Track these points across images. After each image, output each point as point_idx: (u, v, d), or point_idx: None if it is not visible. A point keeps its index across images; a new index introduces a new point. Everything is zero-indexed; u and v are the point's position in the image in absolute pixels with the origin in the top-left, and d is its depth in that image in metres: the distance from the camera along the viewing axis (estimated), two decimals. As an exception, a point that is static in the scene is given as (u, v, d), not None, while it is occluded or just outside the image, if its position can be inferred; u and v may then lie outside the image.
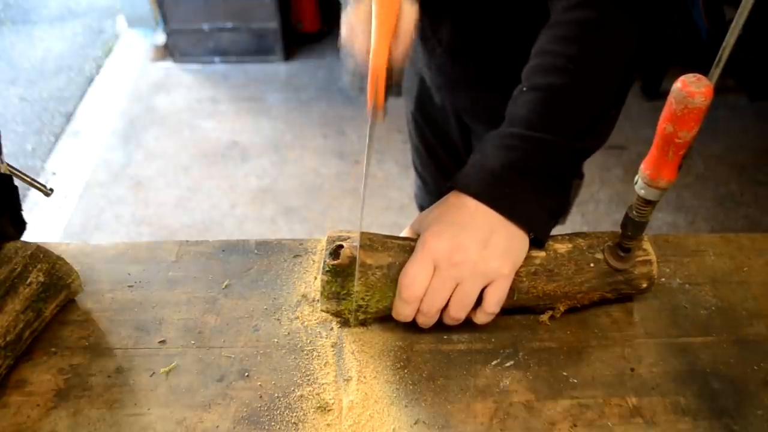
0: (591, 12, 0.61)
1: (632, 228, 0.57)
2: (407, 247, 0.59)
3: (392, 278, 0.57)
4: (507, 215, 0.57)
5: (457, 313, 0.56)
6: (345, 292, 0.58)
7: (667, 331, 0.61)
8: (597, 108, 0.62)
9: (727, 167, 2.56)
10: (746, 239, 0.72)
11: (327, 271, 0.57)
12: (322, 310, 0.61)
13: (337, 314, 0.61)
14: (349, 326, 0.61)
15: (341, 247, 0.58)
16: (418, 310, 0.57)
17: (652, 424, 0.53)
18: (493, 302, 0.56)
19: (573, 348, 0.60)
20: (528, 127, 0.59)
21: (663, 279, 0.67)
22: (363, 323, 0.62)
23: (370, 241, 0.59)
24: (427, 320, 0.57)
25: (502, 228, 0.57)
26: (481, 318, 0.58)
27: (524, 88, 0.62)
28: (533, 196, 0.59)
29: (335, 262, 0.57)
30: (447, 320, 0.58)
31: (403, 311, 0.57)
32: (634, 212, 0.56)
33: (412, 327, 0.61)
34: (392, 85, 0.72)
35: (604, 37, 0.61)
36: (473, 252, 0.55)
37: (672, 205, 2.39)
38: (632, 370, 0.58)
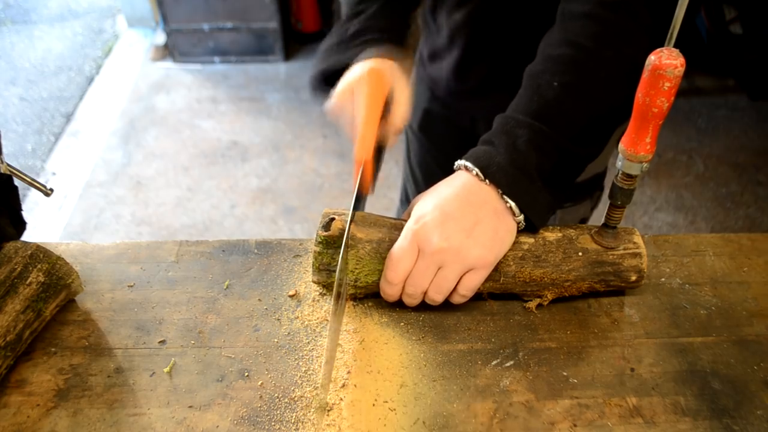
0: (598, 25, 0.62)
1: (621, 196, 0.59)
2: (399, 225, 0.61)
3: (381, 253, 0.60)
4: (518, 201, 0.59)
5: (435, 295, 0.59)
6: (335, 264, 0.61)
7: (667, 331, 0.61)
8: (598, 114, 0.63)
9: (727, 167, 2.56)
10: (746, 239, 0.72)
11: (319, 242, 0.60)
12: (313, 281, 0.64)
13: (328, 287, 0.63)
14: (340, 299, 0.63)
15: (333, 219, 0.61)
16: (404, 290, 0.59)
17: (652, 424, 0.53)
18: (467, 287, 0.59)
19: (573, 348, 0.60)
20: (544, 121, 0.61)
21: (663, 279, 0.67)
22: (354, 297, 0.63)
23: (363, 218, 0.62)
24: (411, 300, 0.60)
25: (489, 219, 0.58)
26: (455, 299, 0.60)
27: (540, 84, 0.63)
28: (541, 185, 0.61)
29: (327, 233, 0.60)
30: (426, 300, 0.60)
31: (388, 291, 0.60)
32: (619, 183, 0.58)
33: (413, 326, 0.61)
34: (380, 166, 0.68)
35: (612, 47, 0.62)
36: (456, 240, 0.56)
37: (672, 205, 2.39)
38: (632, 370, 0.58)
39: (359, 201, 0.64)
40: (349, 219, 0.61)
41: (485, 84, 0.88)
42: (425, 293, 0.59)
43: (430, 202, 0.59)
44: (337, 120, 0.70)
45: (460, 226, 0.57)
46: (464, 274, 0.58)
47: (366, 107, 0.64)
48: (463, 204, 0.58)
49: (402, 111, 0.67)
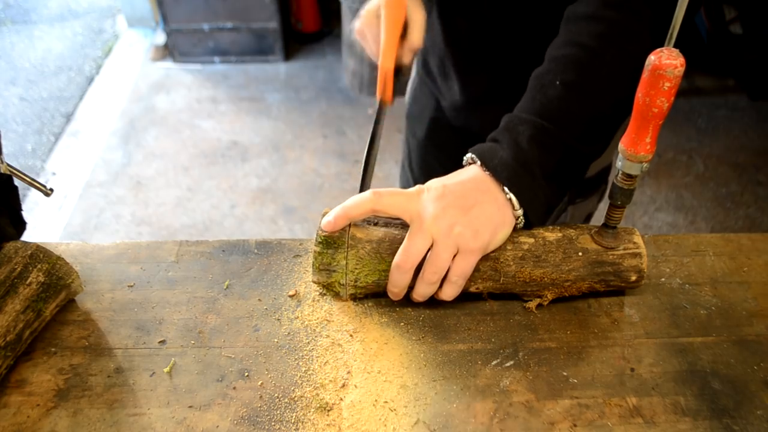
0: (601, 25, 0.62)
1: (621, 196, 0.59)
2: (399, 225, 0.61)
3: (381, 253, 0.60)
4: (518, 195, 0.59)
5: (431, 275, 0.58)
6: (336, 264, 0.61)
7: (667, 331, 0.61)
8: (602, 112, 0.63)
9: (727, 167, 2.56)
10: (746, 239, 0.72)
11: (319, 242, 0.60)
12: (313, 281, 0.64)
13: (328, 287, 0.63)
14: (340, 299, 0.63)
15: None
16: (399, 265, 0.58)
17: (652, 424, 0.53)
18: (456, 272, 0.58)
19: (573, 348, 0.60)
20: (548, 119, 0.62)
21: (663, 279, 0.67)
22: (354, 297, 0.63)
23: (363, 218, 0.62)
24: (403, 276, 0.58)
25: (488, 204, 0.59)
26: (446, 290, 0.59)
27: (545, 83, 0.64)
28: (543, 182, 0.61)
29: (326, 233, 0.60)
30: (422, 287, 0.59)
31: (395, 275, 0.59)
32: (619, 183, 0.58)
33: (413, 326, 0.61)
34: (399, 84, 0.77)
35: (615, 45, 0.62)
36: (451, 214, 0.57)
37: (672, 205, 2.39)
38: (632, 370, 0.58)
39: (381, 109, 0.77)
40: (372, 130, 0.73)
41: (488, 95, 0.89)
42: (421, 275, 0.58)
43: (436, 181, 0.61)
44: (362, 40, 0.82)
45: (459, 203, 0.58)
46: (454, 257, 0.58)
47: (387, 27, 0.75)
48: (466, 186, 0.60)
49: (417, 32, 0.78)
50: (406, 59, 0.79)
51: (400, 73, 0.80)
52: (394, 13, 0.76)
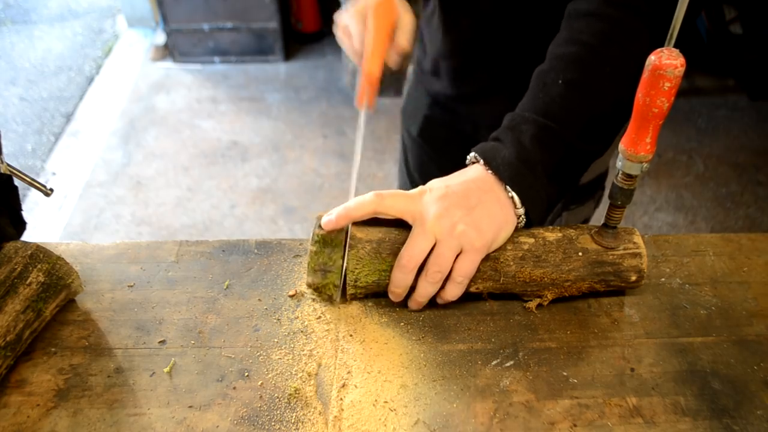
0: (602, 23, 0.62)
1: (621, 196, 0.59)
2: (399, 225, 0.61)
3: (381, 253, 0.60)
4: (520, 193, 0.59)
5: (434, 275, 0.58)
6: (332, 263, 0.60)
7: (667, 331, 0.61)
8: (604, 110, 0.63)
9: (727, 167, 2.56)
10: (746, 239, 0.72)
11: (316, 241, 0.60)
12: (307, 284, 0.63)
13: (320, 290, 0.62)
14: (333, 304, 0.63)
15: None
16: (402, 264, 0.58)
17: (652, 424, 0.53)
18: (460, 272, 0.58)
19: (573, 348, 0.60)
20: (548, 117, 0.62)
21: (663, 279, 0.67)
22: (354, 297, 0.63)
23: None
24: (405, 276, 0.59)
25: (490, 204, 0.59)
26: (450, 290, 0.59)
27: (546, 82, 0.64)
28: (544, 180, 0.61)
29: (323, 231, 0.59)
30: (424, 286, 0.59)
31: (397, 274, 0.59)
32: (619, 183, 0.58)
33: (413, 326, 0.61)
34: (384, 87, 0.75)
35: (616, 44, 0.62)
36: (454, 213, 0.57)
37: (672, 205, 2.39)
38: (632, 370, 0.58)
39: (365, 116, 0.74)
40: (357, 140, 0.70)
41: (486, 89, 0.88)
42: (423, 275, 0.58)
43: (438, 181, 0.61)
44: (345, 38, 0.77)
45: (462, 202, 0.58)
46: (457, 257, 0.58)
47: (376, 29, 0.72)
48: (468, 186, 0.60)
49: (406, 34, 0.75)
50: (392, 62, 0.76)
51: (384, 76, 0.77)
52: (384, 16, 0.72)
